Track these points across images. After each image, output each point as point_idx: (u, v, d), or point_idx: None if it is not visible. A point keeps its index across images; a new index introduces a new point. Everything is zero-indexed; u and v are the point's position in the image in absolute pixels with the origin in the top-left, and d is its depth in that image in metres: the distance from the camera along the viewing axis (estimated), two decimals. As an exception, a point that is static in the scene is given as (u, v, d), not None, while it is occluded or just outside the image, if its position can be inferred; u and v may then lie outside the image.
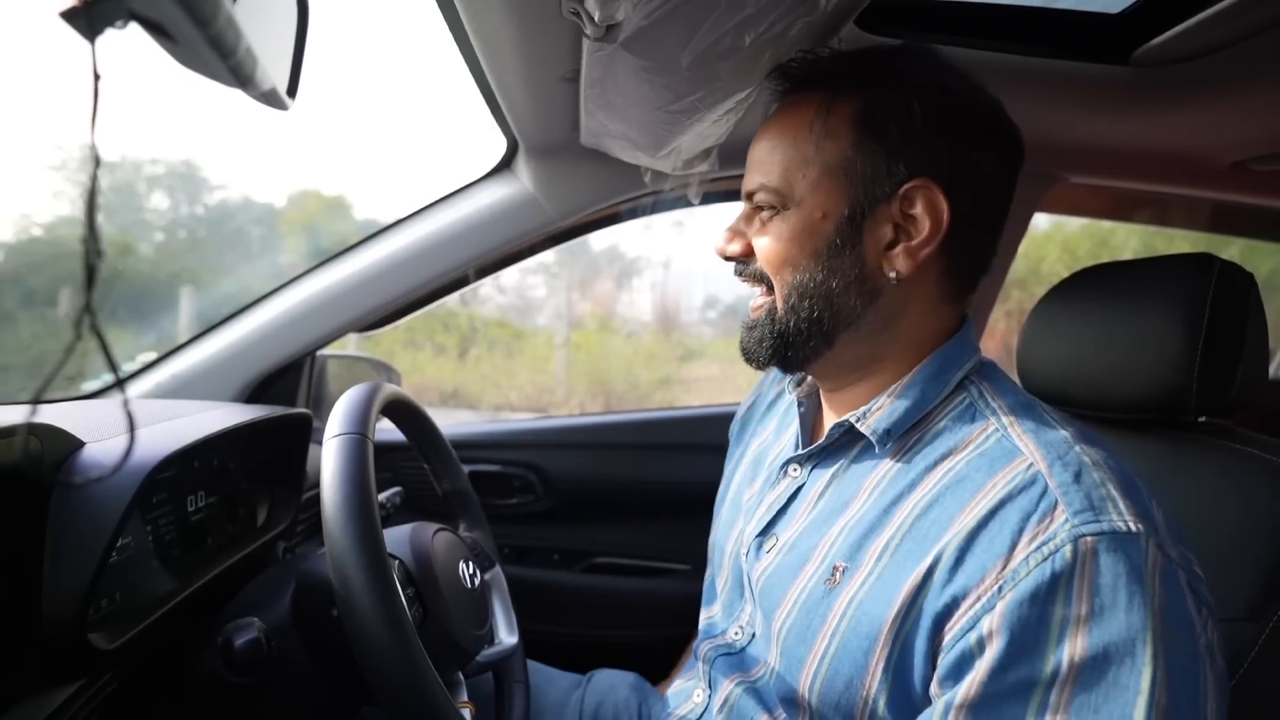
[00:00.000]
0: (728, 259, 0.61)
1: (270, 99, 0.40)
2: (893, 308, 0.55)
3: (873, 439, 0.54)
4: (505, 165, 1.02)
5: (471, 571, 0.68)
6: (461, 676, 0.65)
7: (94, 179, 0.26)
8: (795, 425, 0.65)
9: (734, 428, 0.81)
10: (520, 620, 0.78)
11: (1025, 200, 1.18)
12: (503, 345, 7.07)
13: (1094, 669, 0.40)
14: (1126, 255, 0.77)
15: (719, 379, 6.73)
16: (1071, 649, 0.40)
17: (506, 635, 0.76)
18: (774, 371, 0.81)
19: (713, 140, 0.80)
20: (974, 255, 0.56)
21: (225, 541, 0.76)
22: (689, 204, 0.97)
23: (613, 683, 0.81)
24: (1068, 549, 0.42)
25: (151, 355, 1.03)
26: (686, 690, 0.70)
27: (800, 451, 0.62)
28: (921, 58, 0.55)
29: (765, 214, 0.56)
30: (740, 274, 0.60)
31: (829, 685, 0.50)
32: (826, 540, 0.54)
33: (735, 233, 0.60)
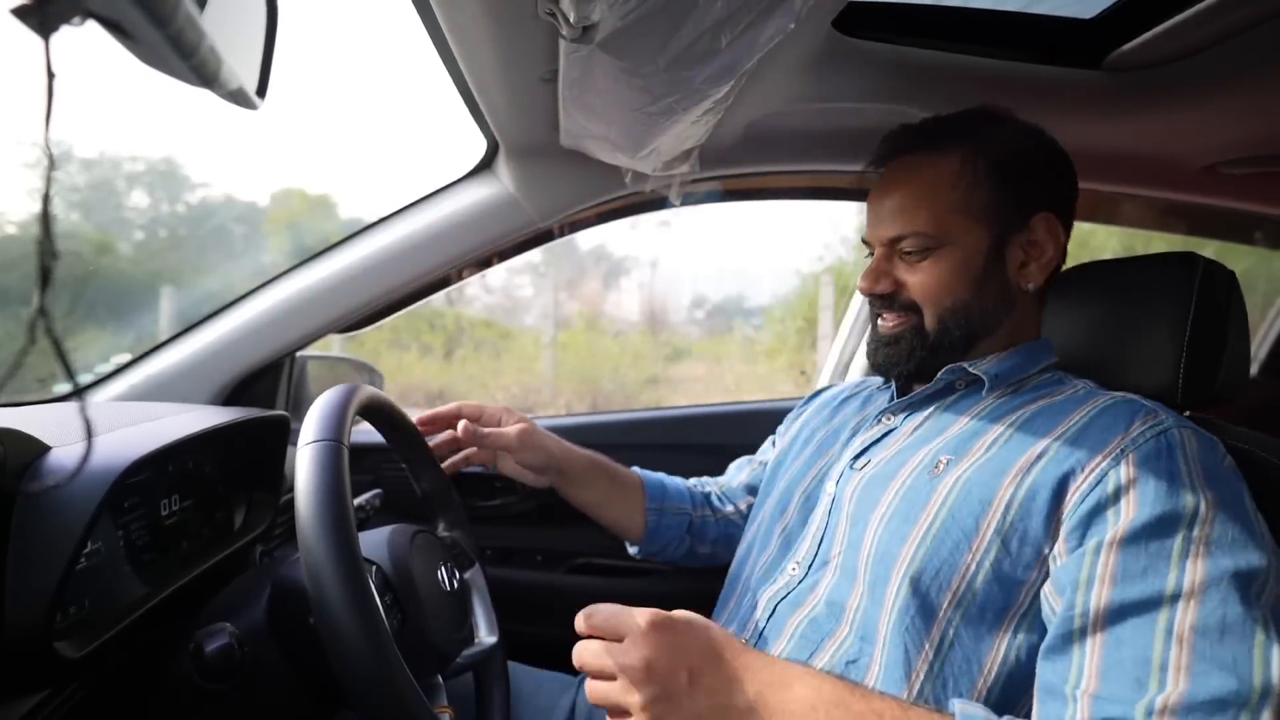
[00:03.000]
0: (876, 296, 0.69)
1: (238, 98, 0.39)
2: (1019, 311, 0.68)
3: (985, 379, 0.65)
4: (486, 165, 1.01)
5: (451, 574, 0.68)
6: (440, 680, 0.65)
7: (48, 179, 0.25)
8: (885, 396, 0.77)
9: (783, 426, 0.92)
10: (505, 623, 0.78)
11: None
12: (489, 345, 7.02)
13: (1221, 516, 0.50)
14: (1106, 256, 0.79)
15: (706, 378, 6.74)
16: (1198, 497, 0.50)
17: (486, 634, 0.76)
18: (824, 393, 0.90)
19: (692, 142, 0.80)
20: (1062, 263, 0.70)
21: (201, 545, 0.75)
22: (670, 205, 0.98)
23: None
24: (1174, 431, 0.54)
25: (127, 356, 1.01)
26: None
27: (895, 402, 0.72)
28: (1010, 118, 0.69)
29: (914, 255, 0.67)
30: (888, 307, 0.70)
31: (934, 551, 0.57)
32: (927, 448, 0.64)
33: (880, 273, 0.69)
